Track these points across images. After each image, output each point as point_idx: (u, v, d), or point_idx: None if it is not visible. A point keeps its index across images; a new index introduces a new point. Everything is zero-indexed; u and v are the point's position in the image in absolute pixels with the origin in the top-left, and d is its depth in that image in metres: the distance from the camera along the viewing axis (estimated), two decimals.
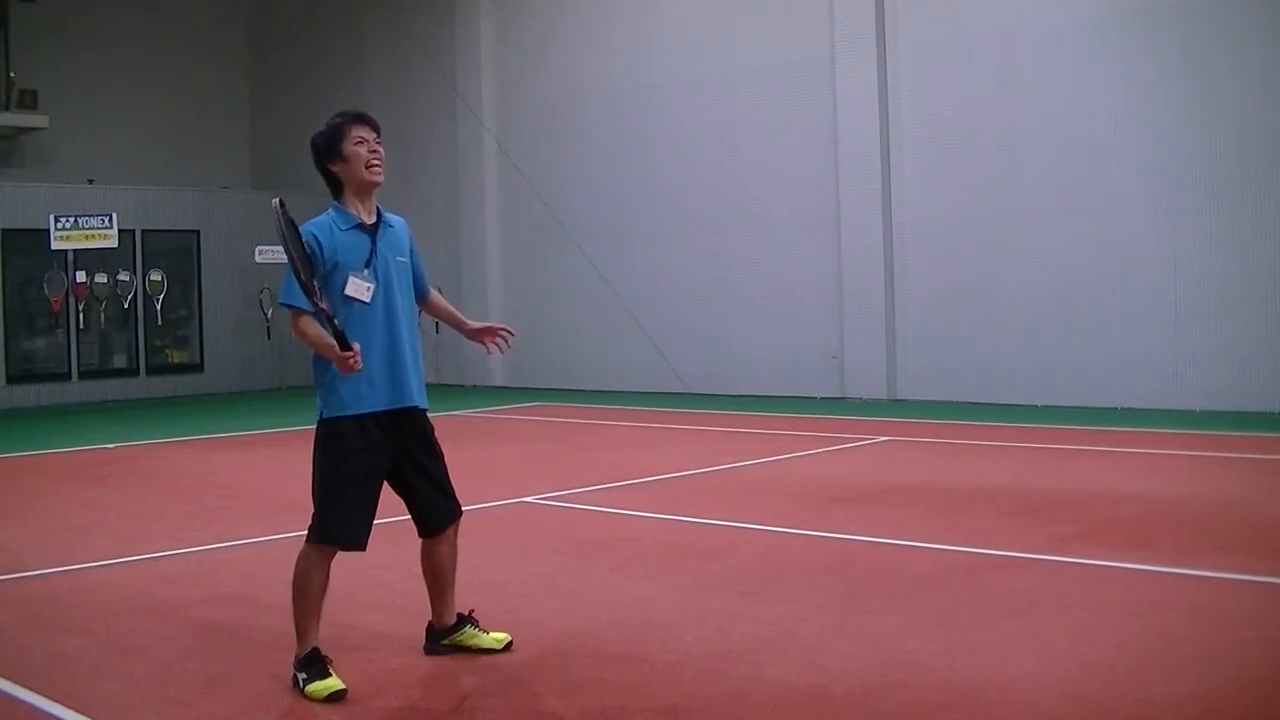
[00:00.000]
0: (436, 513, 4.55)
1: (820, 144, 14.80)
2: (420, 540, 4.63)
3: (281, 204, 4.18)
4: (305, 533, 4.39)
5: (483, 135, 18.48)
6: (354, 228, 4.39)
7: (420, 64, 19.26)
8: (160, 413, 15.98)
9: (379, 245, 4.41)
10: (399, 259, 4.47)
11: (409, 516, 4.61)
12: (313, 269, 4.20)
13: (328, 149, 4.42)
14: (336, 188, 4.46)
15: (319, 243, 4.31)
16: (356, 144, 4.38)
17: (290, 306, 4.28)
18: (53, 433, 13.70)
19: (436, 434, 4.59)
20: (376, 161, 4.41)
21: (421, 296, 4.69)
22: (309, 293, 4.16)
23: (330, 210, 4.44)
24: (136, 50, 20.85)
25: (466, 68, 18.70)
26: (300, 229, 4.29)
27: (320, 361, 4.35)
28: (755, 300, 15.56)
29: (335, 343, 4.16)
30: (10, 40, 19.42)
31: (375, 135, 4.44)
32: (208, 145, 21.72)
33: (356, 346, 4.17)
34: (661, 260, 16.51)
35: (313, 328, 4.24)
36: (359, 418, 4.33)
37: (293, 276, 4.20)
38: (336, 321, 4.18)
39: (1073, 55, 12.96)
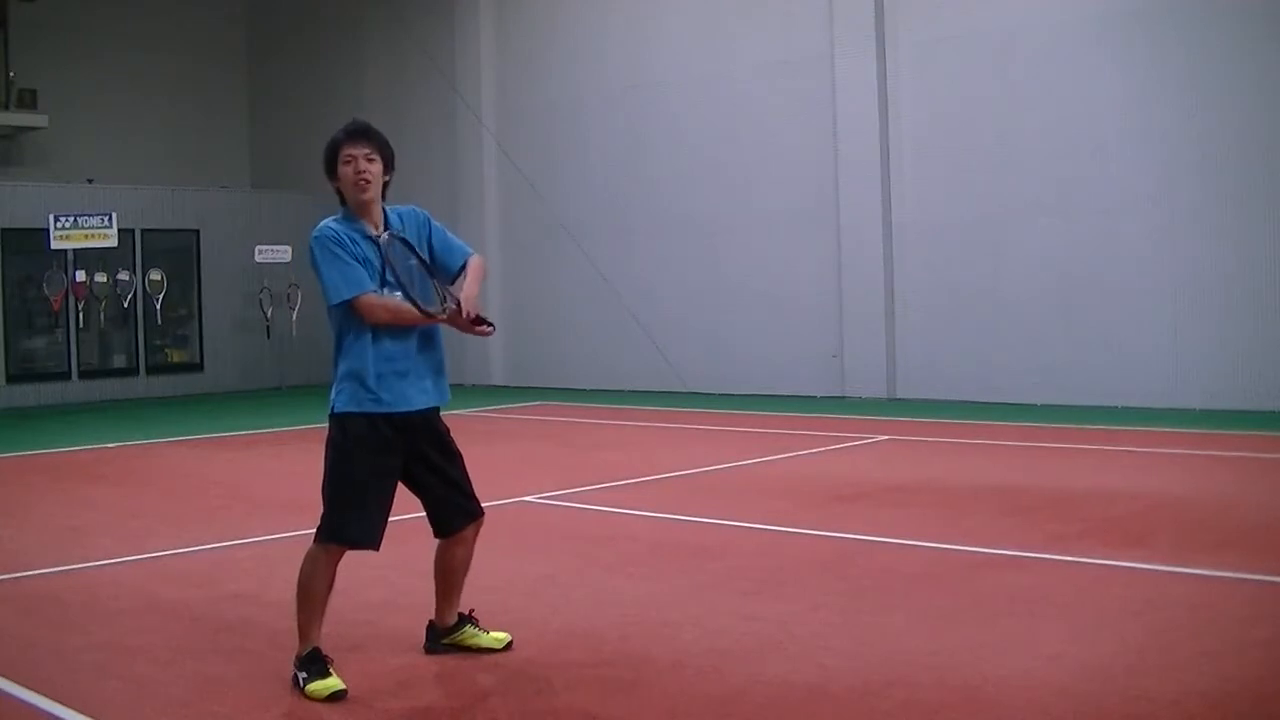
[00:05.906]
0: (454, 512, 4.52)
1: (820, 143, 14.80)
2: (436, 540, 4.60)
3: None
4: (306, 532, 4.39)
5: (483, 135, 18.48)
6: (366, 239, 4.36)
7: (420, 64, 19.26)
8: (160, 412, 15.97)
9: (389, 257, 4.39)
10: (409, 263, 4.43)
11: (412, 515, 4.61)
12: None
13: (327, 165, 4.44)
14: (341, 198, 4.46)
15: (347, 240, 4.30)
16: (344, 164, 4.36)
17: (346, 301, 4.25)
18: (53, 432, 13.69)
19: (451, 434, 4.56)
20: (363, 181, 4.35)
21: (458, 270, 4.60)
22: (420, 308, 4.27)
23: (342, 215, 4.41)
24: (136, 50, 20.87)
25: (466, 68, 18.70)
26: (323, 227, 4.31)
27: (347, 353, 4.32)
28: (755, 300, 15.56)
29: (414, 307, 4.25)
30: (10, 40, 19.43)
31: (366, 150, 4.36)
32: (208, 145, 21.73)
33: (436, 307, 4.30)
34: (661, 260, 16.52)
35: (387, 299, 4.27)
36: (369, 416, 4.30)
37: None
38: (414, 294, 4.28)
39: (1073, 55, 12.96)
